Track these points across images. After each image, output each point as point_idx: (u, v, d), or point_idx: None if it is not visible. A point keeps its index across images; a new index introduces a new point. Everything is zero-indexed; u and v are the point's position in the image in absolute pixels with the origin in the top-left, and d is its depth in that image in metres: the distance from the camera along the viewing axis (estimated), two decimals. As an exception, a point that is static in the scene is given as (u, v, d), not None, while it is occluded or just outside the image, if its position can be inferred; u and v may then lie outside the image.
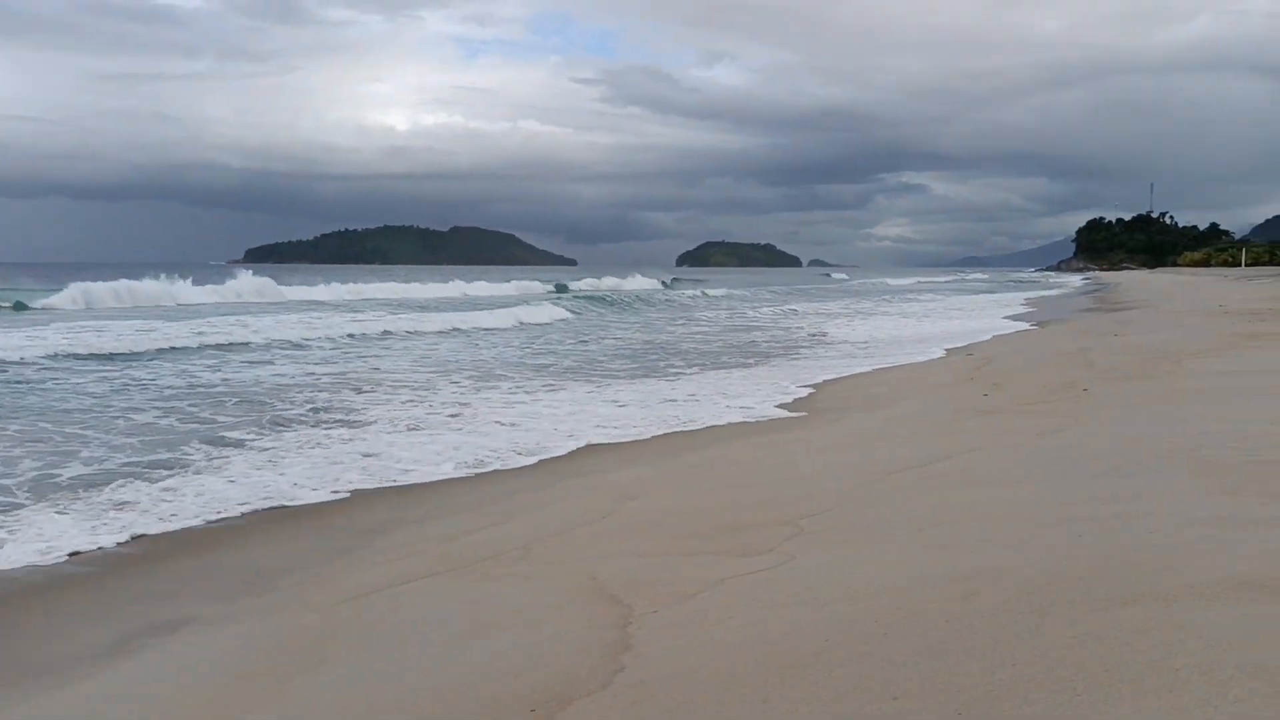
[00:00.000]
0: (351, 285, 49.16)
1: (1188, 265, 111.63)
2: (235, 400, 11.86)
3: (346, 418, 10.61)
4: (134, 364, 15.73)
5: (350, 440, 9.24)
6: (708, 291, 53.84)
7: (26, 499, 6.95)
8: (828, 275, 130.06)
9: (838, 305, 42.11)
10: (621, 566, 4.78)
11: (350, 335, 22.26)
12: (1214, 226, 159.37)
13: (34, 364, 15.20)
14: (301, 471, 7.93)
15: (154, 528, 6.32)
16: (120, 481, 7.40)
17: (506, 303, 35.31)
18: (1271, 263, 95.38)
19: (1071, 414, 8.26)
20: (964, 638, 3.24)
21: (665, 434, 9.48)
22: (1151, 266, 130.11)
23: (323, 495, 7.24)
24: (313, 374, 15.08)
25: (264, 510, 6.84)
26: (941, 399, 10.94)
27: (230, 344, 19.10)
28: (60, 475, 7.61)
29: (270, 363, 16.76)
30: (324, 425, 10.12)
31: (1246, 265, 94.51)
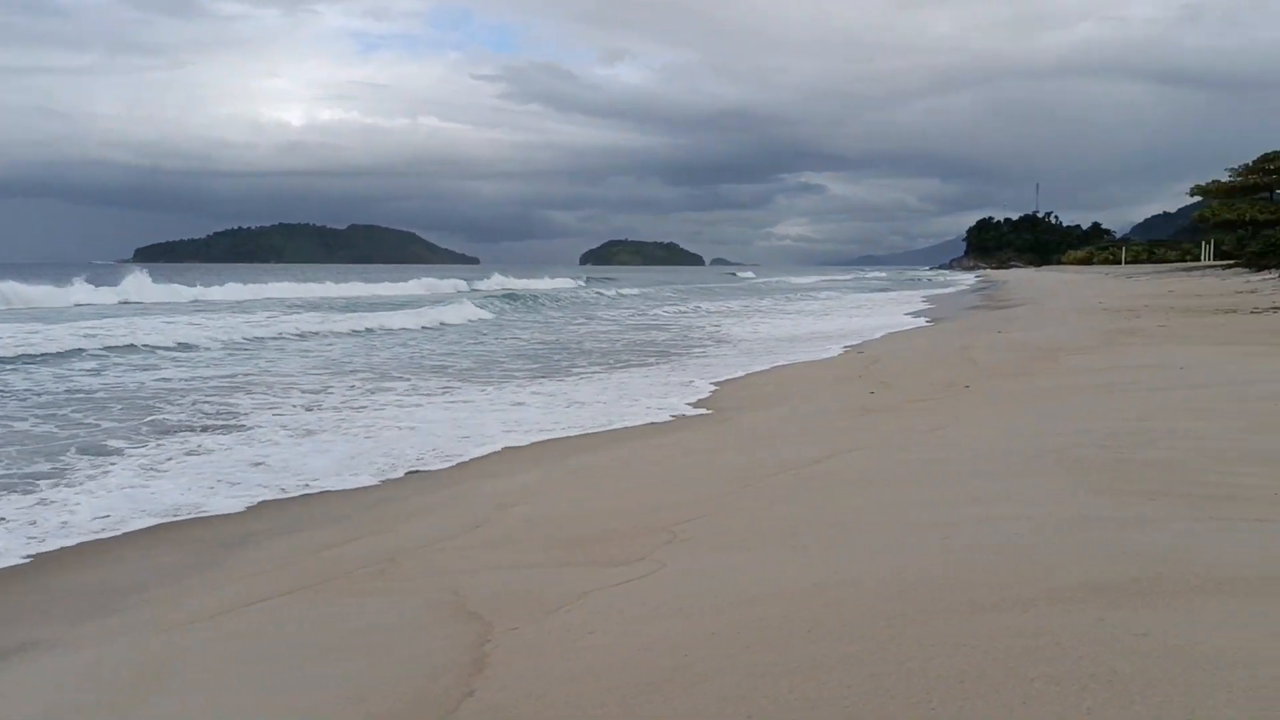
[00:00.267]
0: (253, 285, 47.63)
1: (1072, 263, 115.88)
2: (118, 406, 11.35)
3: (231, 423, 10.20)
4: (6, 369, 15.00)
5: (230, 449, 8.83)
6: (622, 291, 53.69)
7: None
8: (733, 275, 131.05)
9: (746, 303, 42.61)
10: (487, 580, 4.59)
11: (249, 338, 21.59)
12: (1096, 226, 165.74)
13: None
14: (178, 482, 7.54)
15: (17, 548, 5.90)
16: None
17: (422, 302, 34.69)
18: (1150, 260, 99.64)
19: (951, 412, 8.36)
20: (825, 649, 3.15)
21: (555, 438, 9.29)
22: (1038, 265, 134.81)
23: (196, 507, 6.83)
24: (201, 378, 14.54)
25: (135, 524, 6.43)
26: (830, 397, 11.01)
27: (114, 347, 18.30)
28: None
29: (157, 366, 16.08)
30: (209, 432, 9.71)
31: (1126, 263, 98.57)
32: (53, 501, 6.92)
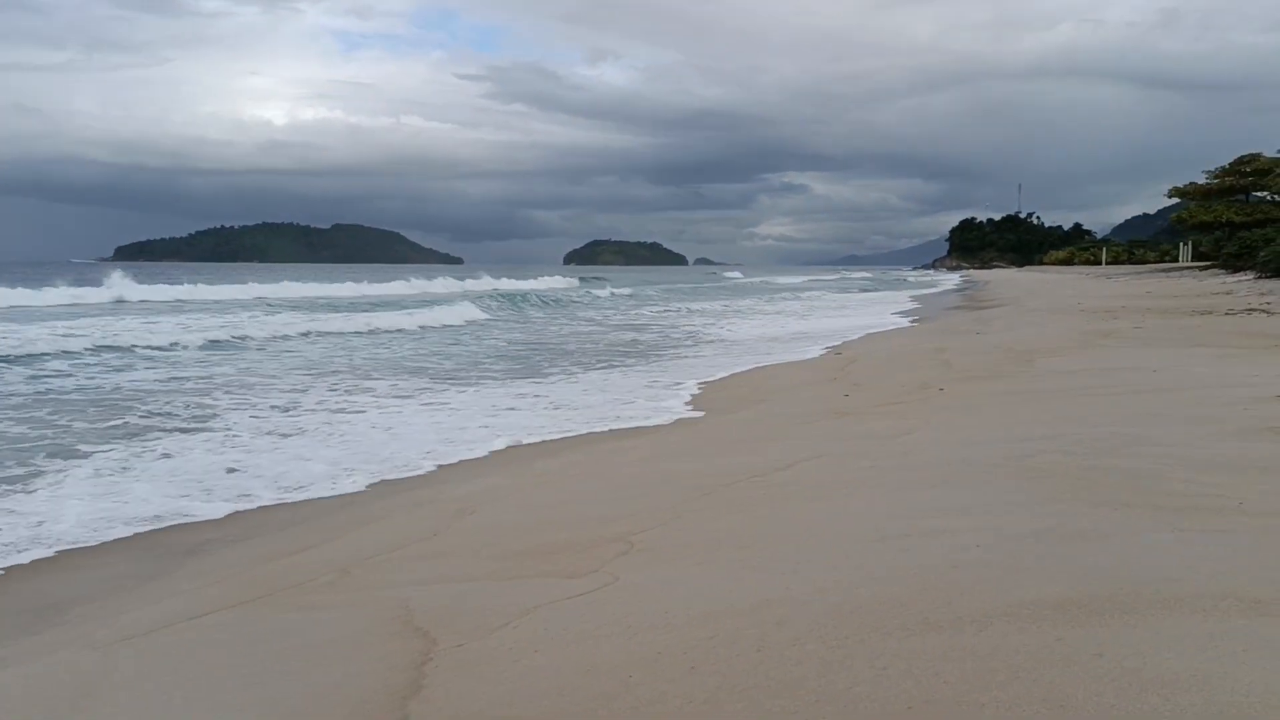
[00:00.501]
0: (250, 285, 47.15)
1: (1053, 264, 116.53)
2: (92, 409, 11.15)
3: (203, 426, 10.02)
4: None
5: (199, 453, 8.66)
6: (616, 290, 53.34)
7: None
8: (715, 274, 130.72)
9: (734, 304, 42.50)
10: (438, 593, 4.46)
11: (238, 337, 21.39)
12: (1077, 226, 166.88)
13: None
14: (142, 488, 7.32)
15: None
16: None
17: (421, 303, 34.43)
18: (1129, 261, 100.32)
19: (921, 416, 8.27)
20: (772, 671, 3.04)
21: (528, 443, 9.14)
22: (1020, 265, 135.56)
23: (155, 516, 6.63)
24: (185, 378, 14.38)
25: (92, 532, 6.25)
26: (803, 400, 10.91)
27: (90, 348, 17.99)
28: None
29: (132, 367, 15.87)
30: (180, 435, 9.54)
31: (1107, 264, 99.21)
32: (12, 511, 6.73)
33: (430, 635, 3.82)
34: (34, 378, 14.19)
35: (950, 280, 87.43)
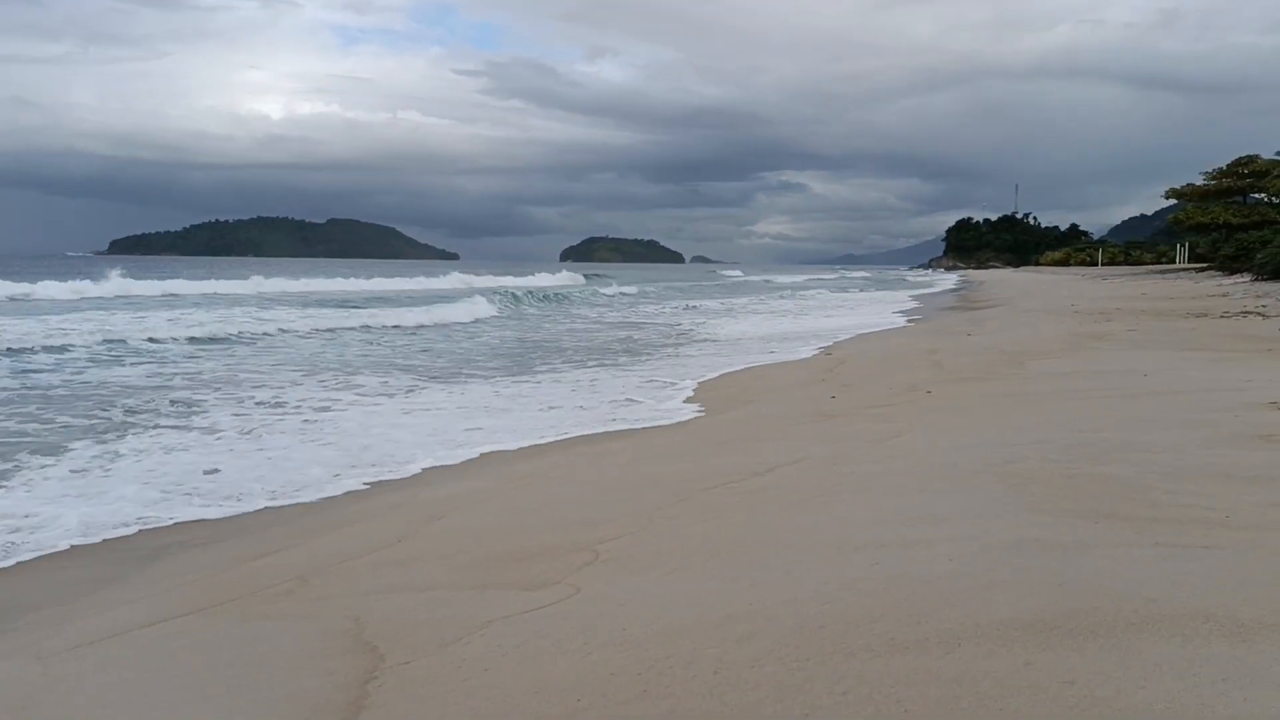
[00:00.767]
0: (254, 279, 46.91)
1: (1049, 264, 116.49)
2: (76, 405, 10.99)
3: (185, 425, 9.84)
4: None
5: (166, 450, 8.51)
6: (624, 290, 52.98)
7: None
8: (714, 272, 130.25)
9: (737, 302, 42.31)
10: (394, 604, 4.30)
11: (253, 333, 21.29)
12: (1074, 227, 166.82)
13: None
14: (114, 489, 7.14)
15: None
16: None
17: (428, 298, 34.27)
18: (1126, 262, 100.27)
19: (908, 419, 8.12)
20: (727, 695, 2.88)
21: (508, 447, 8.97)
22: (1016, 265, 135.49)
23: (122, 521, 6.44)
24: (166, 374, 14.21)
25: (62, 540, 6.06)
26: (791, 401, 10.76)
27: (78, 343, 17.82)
28: None
29: (120, 362, 15.71)
30: (157, 432, 9.40)
31: (1103, 265, 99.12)
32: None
33: (379, 651, 3.67)
34: (20, 372, 14.06)
35: (948, 280, 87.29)
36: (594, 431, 9.45)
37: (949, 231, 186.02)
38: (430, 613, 4.09)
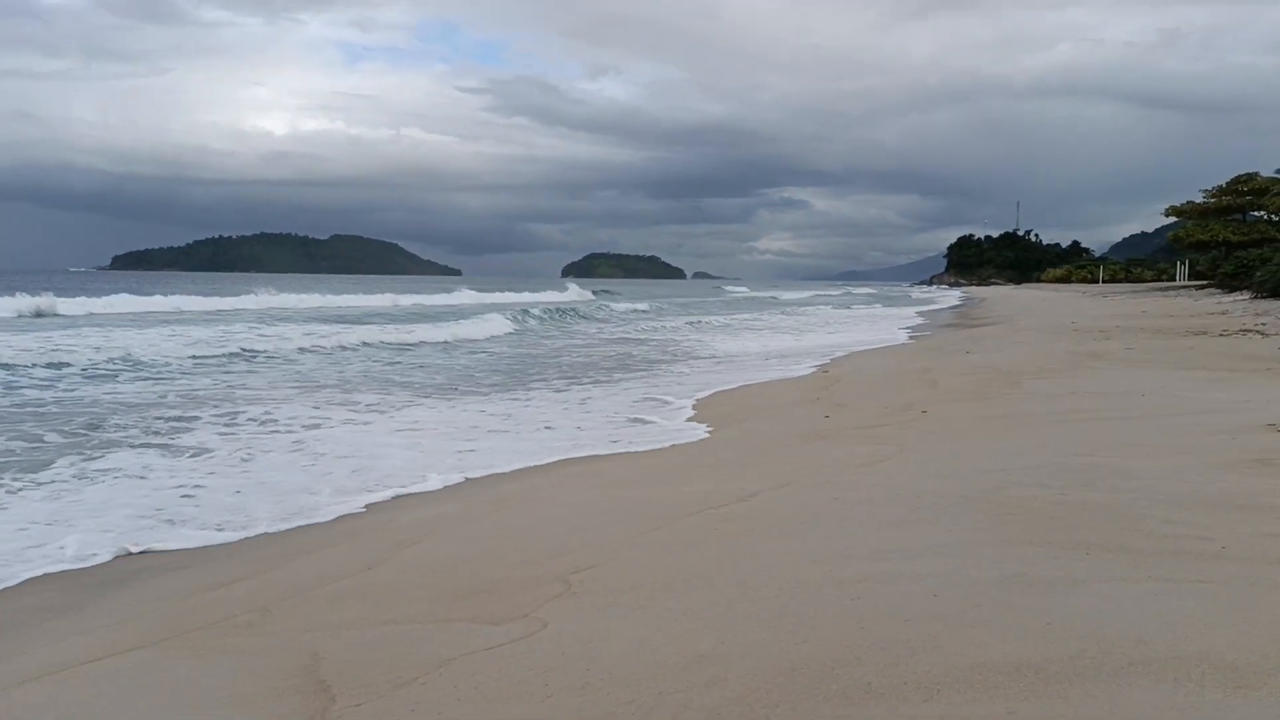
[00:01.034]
0: (284, 295, 46.76)
1: (1050, 281, 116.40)
2: (66, 424, 10.75)
3: (171, 443, 9.65)
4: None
5: (147, 472, 8.30)
6: (636, 306, 52.73)
7: None
8: (718, 288, 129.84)
9: (744, 317, 42.07)
10: (354, 638, 4.12)
11: (280, 350, 21.05)
12: (1075, 244, 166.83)
13: None
14: (89, 513, 6.92)
15: None
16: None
17: (442, 315, 34.11)
18: (1127, 279, 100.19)
19: (899, 441, 7.94)
20: (688, 745, 2.70)
21: (491, 465, 8.78)
22: (1017, 282, 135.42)
23: (94, 554, 6.20)
24: (162, 392, 13.98)
25: (23, 571, 5.84)
26: (783, 420, 10.58)
27: (73, 360, 17.58)
28: None
29: (115, 378, 15.53)
30: (141, 451, 9.20)
31: (1104, 282, 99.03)
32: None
33: (331, 691, 3.49)
34: (14, 388, 13.93)
35: (952, 296, 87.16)
36: (580, 455, 9.21)
37: (950, 248, 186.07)
38: (388, 649, 3.91)
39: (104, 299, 38.35)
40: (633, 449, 9.28)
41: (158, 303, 40.35)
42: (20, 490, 7.59)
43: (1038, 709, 2.74)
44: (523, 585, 4.59)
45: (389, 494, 7.61)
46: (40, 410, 11.87)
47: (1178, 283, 68.64)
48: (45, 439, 9.76)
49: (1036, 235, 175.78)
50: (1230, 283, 42.06)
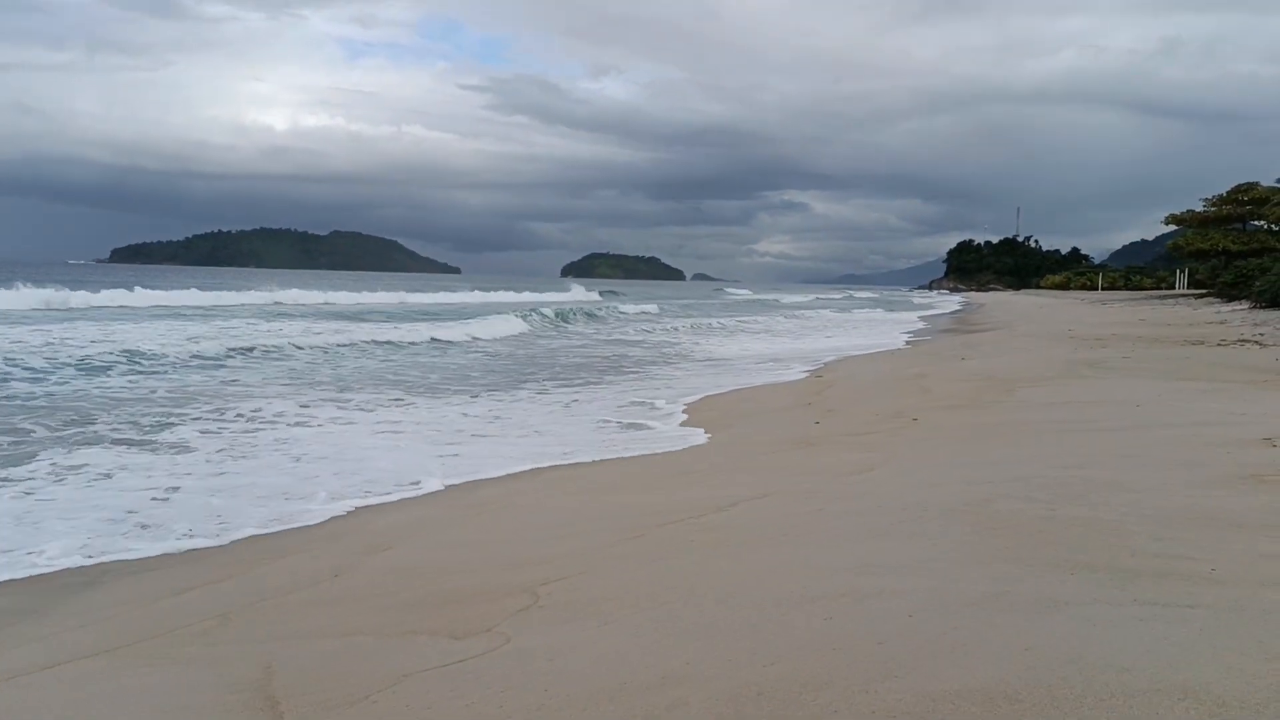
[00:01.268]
0: (295, 290, 46.44)
1: (1050, 288, 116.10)
2: (51, 419, 10.64)
3: (150, 440, 9.51)
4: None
5: (126, 471, 8.16)
6: (643, 307, 52.37)
7: None
8: (720, 290, 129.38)
9: (746, 319, 41.84)
10: (311, 650, 3.98)
11: (294, 345, 20.83)
12: (1075, 251, 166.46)
13: None
14: (62, 516, 6.73)
15: None
16: None
17: (453, 314, 33.90)
18: (1126, 287, 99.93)
19: (887, 449, 7.80)
20: (643, 776, 2.56)
21: (471, 470, 8.63)
22: (1016, 288, 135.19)
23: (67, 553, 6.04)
24: (151, 389, 13.80)
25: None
26: (771, 426, 10.45)
27: (67, 353, 17.43)
28: None
29: (106, 372, 15.37)
30: (122, 449, 9.07)
31: (1103, 289, 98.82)
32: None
33: (279, 708, 3.35)
34: (5, 379, 13.83)
35: (952, 301, 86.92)
36: (564, 460, 9.03)
37: (950, 253, 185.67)
38: (345, 663, 3.77)
39: (105, 293, 38.11)
40: (617, 454, 9.13)
41: (161, 297, 40.03)
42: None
43: (1011, 743, 2.60)
44: (490, 596, 4.45)
45: (367, 498, 7.45)
46: (29, 404, 11.77)
47: (1177, 291, 68.51)
48: (32, 434, 9.64)
49: (1036, 241, 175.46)
50: (1229, 292, 41.94)
